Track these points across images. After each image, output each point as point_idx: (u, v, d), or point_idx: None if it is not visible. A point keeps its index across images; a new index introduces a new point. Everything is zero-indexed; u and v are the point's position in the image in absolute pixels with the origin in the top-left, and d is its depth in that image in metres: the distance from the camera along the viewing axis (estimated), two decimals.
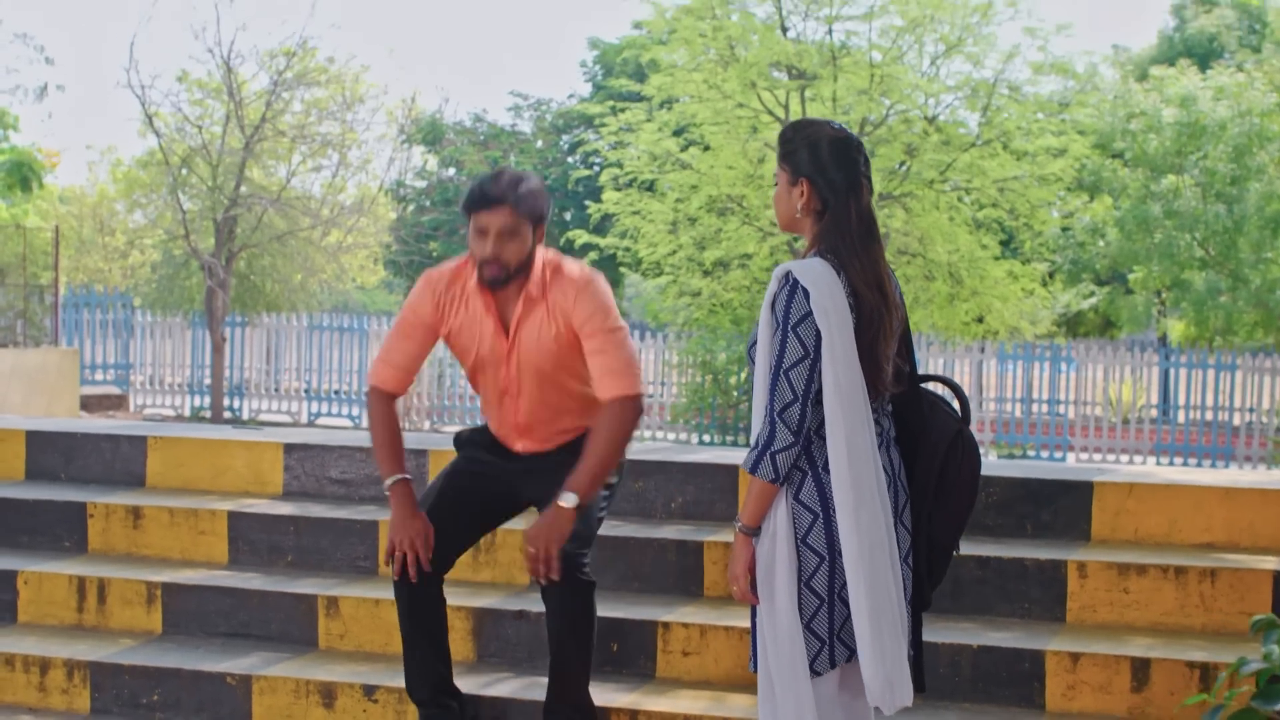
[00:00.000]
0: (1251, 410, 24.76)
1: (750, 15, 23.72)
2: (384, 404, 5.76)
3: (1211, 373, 25.01)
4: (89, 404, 25.40)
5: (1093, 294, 29.27)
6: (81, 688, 6.72)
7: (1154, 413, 25.80)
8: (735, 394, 24.96)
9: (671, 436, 25.20)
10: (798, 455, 4.38)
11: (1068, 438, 24.59)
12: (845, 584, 4.40)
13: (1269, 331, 24.93)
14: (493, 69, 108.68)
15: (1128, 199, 23.15)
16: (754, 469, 4.37)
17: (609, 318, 5.54)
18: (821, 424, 4.37)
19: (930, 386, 4.80)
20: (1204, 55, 32.66)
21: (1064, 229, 25.52)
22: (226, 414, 26.17)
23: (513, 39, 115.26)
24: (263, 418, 26.58)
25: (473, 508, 5.79)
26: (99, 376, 27.70)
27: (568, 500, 5.34)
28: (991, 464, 7.47)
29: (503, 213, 5.39)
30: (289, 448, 7.91)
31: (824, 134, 4.53)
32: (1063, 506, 6.88)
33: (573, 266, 5.62)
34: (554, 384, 5.63)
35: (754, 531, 4.43)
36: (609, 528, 7.17)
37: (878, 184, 22.91)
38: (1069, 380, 25.27)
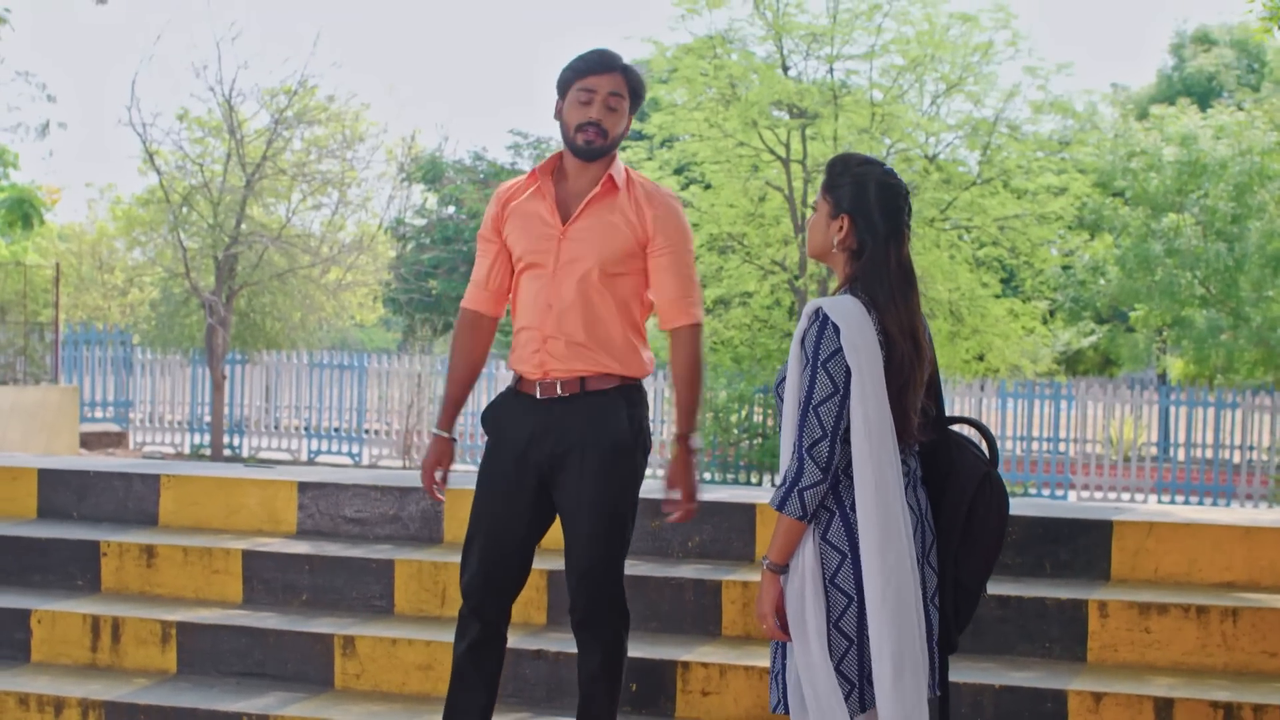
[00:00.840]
0: (1252, 448, 24.75)
1: (751, 54, 23.84)
2: (467, 331, 5.56)
3: (1212, 411, 25.01)
4: (88, 441, 25.34)
5: (1093, 332, 29.30)
6: None
7: (1154, 450, 25.78)
8: (736, 431, 24.94)
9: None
10: (825, 494, 4.36)
11: (1069, 475, 24.57)
12: None
13: (1269, 369, 24.94)
14: (492, 107, 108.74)
15: (1128, 237, 23.21)
16: (781, 506, 4.35)
17: (685, 238, 5.40)
18: (849, 463, 4.36)
19: (957, 428, 4.78)
20: (1203, 94, 32.76)
21: (1065, 267, 25.55)
22: (226, 451, 26.11)
23: (512, 77, 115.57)
24: (262, 455, 26.53)
25: (515, 541, 5.42)
26: (98, 414, 27.64)
27: (696, 441, 5.38)
28: (1011, 503, 7.45)
29: (613, 79, 5.27)
30: (303, 486, 7.89)
31: (874, 175, 4.52)
32: (1082, 545, 6.86)
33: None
34: (599, 294, 5.28)
35: (781, 569, 4.40)
36: (626, 567, 7.15)
37: None
38: (1070, 418, 25.25)
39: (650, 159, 24.67)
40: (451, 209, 39.00)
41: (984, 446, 4.71)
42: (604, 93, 5.25)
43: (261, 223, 26.50)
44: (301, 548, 7.56)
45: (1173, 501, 23.53)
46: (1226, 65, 35.72)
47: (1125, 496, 23.89)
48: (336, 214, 27.51)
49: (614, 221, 5.28)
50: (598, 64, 5.27)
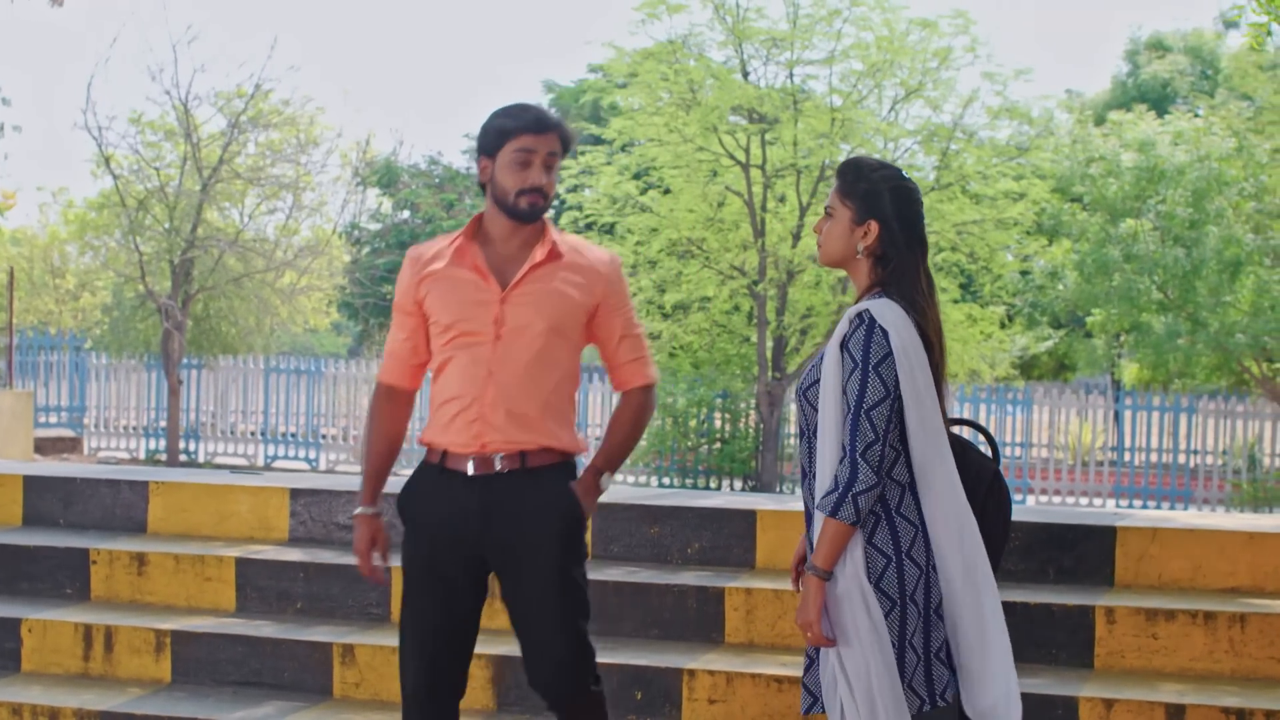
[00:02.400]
0: (1210, 453, 24.88)
1: (706, 59, 23.80)
2: (382, 405, 5.19)
3: (1170, 415, 25.15)
4: (43, 447, 25.11)
5: (1049, 337, 29.42)
6: None
7: (1112, 455, 25.90)
8: (695, 437, 24.93)
9: (630, 480, 25.11)
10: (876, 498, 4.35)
11: (1028, 480, 24.65)
12: (915, 630, 4.41)
13: (1226, 374, 25.08)
14: (447, 112, 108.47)
15: (1087, 243, 23.28)
16: (835, 511, 4.32)
17: (631, 300, 5.17)
18: (894, 466, 4.36)
19: (955, 430, 4.80)
20: (1157, 100, 32.93)
21: (1023, 272, 25.63)
22: (182, 457, 25.94)
23: (466, 82, 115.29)
24: (218, 460, 26.38)
25: (459, 639, 5.06)
26: (52, 419, 27.43)
27: (605, 481, 5.09)
28: (1014, 509, 7.45)
29: (550, 139, 4.92)
30: (295, 493, 7.82)
31: (895, 180, 4.54)
32: (1085, 551, 6.86)
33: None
34: (547, 362, 4.94)
35: (828, 575, 4.37)
36: (626, 574, 7.12)
37: None
38: (1028, 423, 25.33)
39: (609, 164, 24.61)
40: (406, 213, 38.85)
41: (985, 448, 4.77)
42: (543, 154, 4.91)
43: (217, 227, 26.34)
44: (295, 555, 7.49)
45: (1130, 505, 23.63)
46: (1180, 72, 35.92)
47: (1084, 501, 23.97)
48: (291, 218, 27.36)
49: (559, 286, 4.96)
50: (535, 124, 4.91)
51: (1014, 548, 6.84)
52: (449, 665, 5.04)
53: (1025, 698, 6.03)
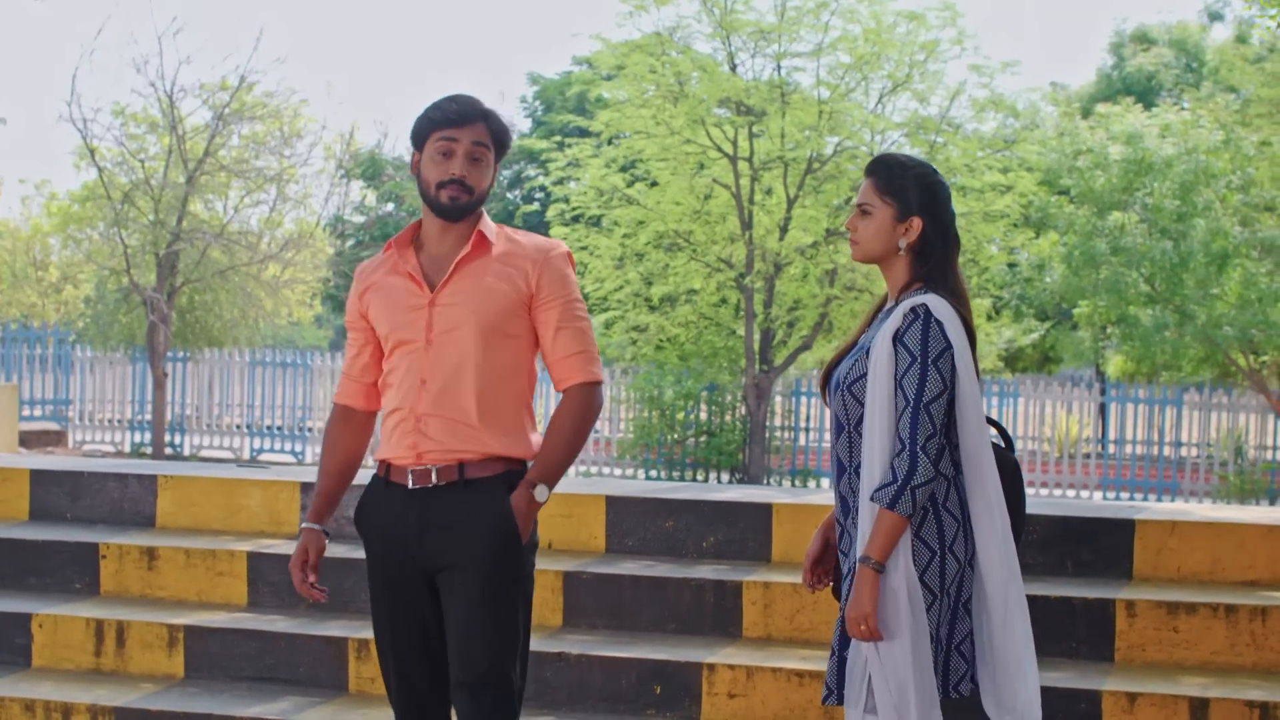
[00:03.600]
0: (1196, 445, 24.95)
1: (690, 50, 23.76)
2: (338, 426, 5.02)
3: (1157, 408, 25.21)
4: (27, 440, 25.04)
5: (1034, 330, 29.45)
6: None
7: (1099, 447, 25.95)
8: (682, 430, 24.90)
9: (618, 472, 25.11)
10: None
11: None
12: (943, 622, 4.45)
13: (1213, 366, 25.12)
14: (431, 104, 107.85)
15: (1074, 235, 23.27)
16: (894, 504, 4.31)
17: (575, 291, 4.82)
18: (939, 461, 4.38)
19: None
20: (1142, 93, 32.95)
21: (1010, 265, 25.65)
22: (168, 450, 25.86)
23: (450, 74, 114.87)
24: (204, 454, 26.30)
25: (430, 656, 4.79)
26: (37, 412, 27.33)
27: (541, 494, 4.67)
28: (1032, 502, 7.44)
29: (475, 129, 4.69)
30: (306, 487, 7.77)
31: (934, 177, 4.59)
32: (1104, 545, 6.85)
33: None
34: (482, 364, 4.68)
35: (882, 568, 4.35)
36: (642, 568, 7.10)
37: (824, 220, 23.03)
38: (1015, 415, 25.37)
39: (596, 156, 24.57)
40: (391, 206, 38.73)
41: (999, 440, 4.81)
42: (466, 143, 4.67)
43: (202, 219, 26.27)
44: None
45: (1118, 498, 23.67)
46: (1165, 64, 35.94)
47: (1070, 493, 24.01)
48: (275, 211, 27.30)
49: (489, 281, 4.69)
50: (456, 115, 4.69)
51: (1032, 541, 6.83)
52: (427, 677, 4.80)
53: (1047, 691, 6.03)
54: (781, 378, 24.80)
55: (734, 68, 23.66)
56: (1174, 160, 22.64)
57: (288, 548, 7.46)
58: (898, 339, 4.38)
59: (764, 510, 7.23)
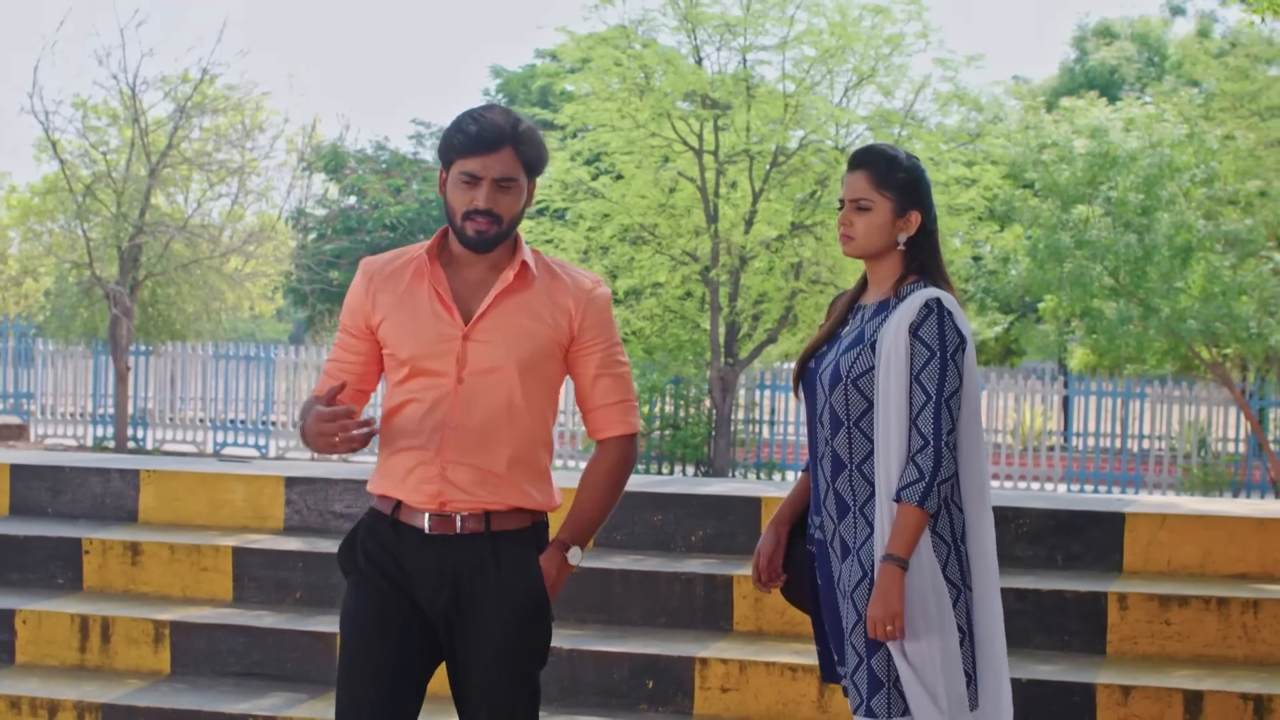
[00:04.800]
0: (1160, 438, 25.06)
1: (655, 43, 23.75)
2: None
3: (1120, 400, 25.31)
4: None
5: (999, 323, 29.52)
6: None
7: (1062, 440, 26.05)
8: (647, 423, 24.88)
9: (584, 465, 25.05)
10: None
11: None
12: (971, 615, 4.44)
13: (1176, 359, 25.22)
14: (394, 97, 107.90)
15: (1038, 228, 23.33)
16: (922, 501, 4.25)
17: (616, 335, 4.44)
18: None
19: None
20: (1105, 86, 33.02)
21: (974, 258, 25.70)
22: (130, 444, 25.72)
23: (413, 66, 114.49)
24: (167, 448, 26.17)
25: (399, 691, 4.32)
26: None
27: (574, 557, 4.36)
28: (1021, 495, 7.47)
29: (501, 158, 4.19)
30: (290, 481, 7.74)
31: (922, 168, 4.57)
32: (1094, 538, 6.86)
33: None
34: (518, 410, 4.28)
35: (907, 565, 4.31)
36: (631, 562, 7.08)
37: (789, 214, 23.04)
38: (987, 409, 25.45)
39: (561, 149, 24.52)
40: (353, 199, 38.62)
41: None
42: (491, 175, 4.19)
43: (165, 213, 26.13)
44: (292, 544, 7.41)
45: (1082, 490, 23.76)
46: (1128, 58, 36.06)
47: (1035, 486, 24.08)
48: (237, 204, 27.17)
49: (529, 319, 4.27)
50: (479, 142, 4.18)
51: (1021, 534, 6.85)
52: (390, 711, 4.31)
53: (1041, 684, 6.07)
54: (746, 371, 24.81)
55: (699, 61, 23.63)
56: (1138, 154, 22.70)
57: (273, 543, 7.44)
58: (914, 332, 4.34)
59: (753, 504, 7.22)
